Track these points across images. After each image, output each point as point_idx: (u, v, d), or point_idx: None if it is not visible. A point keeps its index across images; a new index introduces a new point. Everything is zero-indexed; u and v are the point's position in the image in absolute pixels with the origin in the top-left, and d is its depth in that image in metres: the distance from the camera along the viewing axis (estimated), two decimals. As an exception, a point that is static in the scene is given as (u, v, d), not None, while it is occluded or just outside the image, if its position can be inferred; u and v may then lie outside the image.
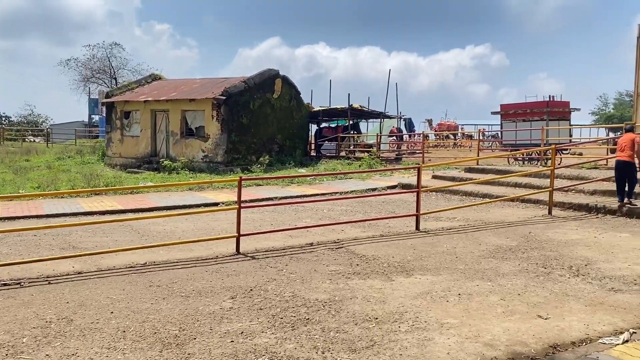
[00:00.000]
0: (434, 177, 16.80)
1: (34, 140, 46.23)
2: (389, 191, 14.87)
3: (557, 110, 20.81)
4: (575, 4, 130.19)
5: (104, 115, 31.17)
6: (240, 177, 7.82)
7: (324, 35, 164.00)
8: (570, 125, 21.94)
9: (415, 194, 9.80)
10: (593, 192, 12.27)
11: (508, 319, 4.86)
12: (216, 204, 12.63)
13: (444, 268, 6.72)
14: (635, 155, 10.53)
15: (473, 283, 6.05)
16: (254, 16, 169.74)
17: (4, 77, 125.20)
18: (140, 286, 6.03)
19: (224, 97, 20.87)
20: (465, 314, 5.01)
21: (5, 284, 6.08)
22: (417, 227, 9.36)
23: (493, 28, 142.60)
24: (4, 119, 68.50)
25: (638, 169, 10.75)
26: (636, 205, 10.69)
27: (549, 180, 11.28)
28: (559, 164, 16.31)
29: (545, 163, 17.57)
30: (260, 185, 16.09)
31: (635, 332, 4.43)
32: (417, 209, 9.48)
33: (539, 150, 17.50)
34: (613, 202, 11.03)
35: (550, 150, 12.20)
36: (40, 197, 12.90)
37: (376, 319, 4.90)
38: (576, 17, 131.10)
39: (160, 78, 28.57)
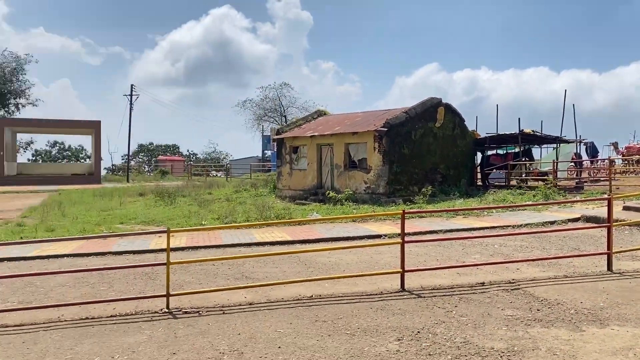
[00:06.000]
0: (625, 208, 14.71)
1: (216, 175, 51.42)
2: (570, 225, 13.31)
3: None
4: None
5: (275, 150, 33.45)
6: (404, 211, 7.54)
7: (485, 59, 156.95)
8: None
9: (603, 228, 8.57)
10: None
11: None
12: (379, 236, 12.48)
13: (650, 319, 5.65)
14: None
15: (692, 341, 4.94)
16: (407, 43, 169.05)
17: (192, 119, 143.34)
18: (306, 320, 6.03)
19: (385, 129, 20.91)
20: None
21: (186, 312, 6.53)
22: (609, 268, 8.12)
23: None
24: (192, 156, 78.04)
25: None
26: None
27: None
28: None
29: None
30: (423, 217, 15.60)
31: None
32: (609, 247, 8.24)
33: None
34: None
35: None
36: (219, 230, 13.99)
37: (567, 378, 4.21)
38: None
39: (325, 113, 29.72)
